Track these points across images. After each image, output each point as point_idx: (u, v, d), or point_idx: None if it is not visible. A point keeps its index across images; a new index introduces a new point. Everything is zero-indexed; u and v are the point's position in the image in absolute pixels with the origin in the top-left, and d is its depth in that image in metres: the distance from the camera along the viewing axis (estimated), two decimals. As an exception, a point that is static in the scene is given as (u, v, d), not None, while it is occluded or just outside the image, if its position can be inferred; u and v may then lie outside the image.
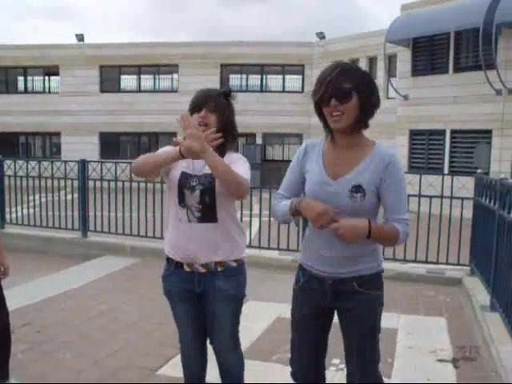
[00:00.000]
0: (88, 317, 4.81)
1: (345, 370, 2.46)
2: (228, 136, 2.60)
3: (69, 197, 7.92)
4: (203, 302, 2.67)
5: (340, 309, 2.37)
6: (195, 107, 2.59)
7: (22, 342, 4.05)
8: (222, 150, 2.54)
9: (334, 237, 2.17)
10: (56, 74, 24.81)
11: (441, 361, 3.95)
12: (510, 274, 3.97)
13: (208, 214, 2.56)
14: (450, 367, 3.84)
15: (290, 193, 2.39)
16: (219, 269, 2.61)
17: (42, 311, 4.91)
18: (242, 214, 5.07)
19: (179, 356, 3.80)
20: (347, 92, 2.14)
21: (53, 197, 8.05)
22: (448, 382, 3.60)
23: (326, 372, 2.57)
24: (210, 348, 2.81)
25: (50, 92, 25.37)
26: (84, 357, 3.89)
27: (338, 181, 2.22)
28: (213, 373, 2.93)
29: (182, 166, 2.58)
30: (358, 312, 2.31)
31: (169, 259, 2.72)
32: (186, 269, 2.64)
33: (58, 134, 24.83)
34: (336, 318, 2.45)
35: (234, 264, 2.64)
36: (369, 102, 2.19)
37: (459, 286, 5.89)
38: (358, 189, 2.17)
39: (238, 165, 2.52)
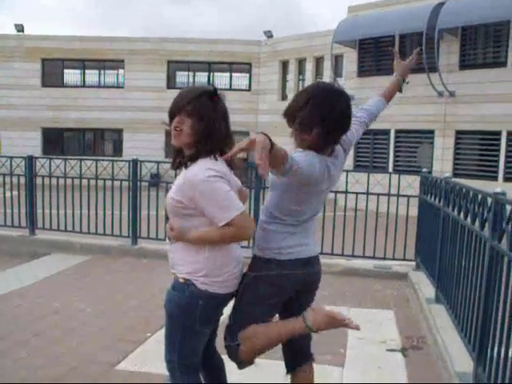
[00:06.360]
0: (42, 314, 4.73)
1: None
2: (202, 144, 2.30)
3: (8, 194, 7.77)
4: None
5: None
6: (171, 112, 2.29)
7: (-27, 340, 3.97)
8: (193, 158, 2.30)
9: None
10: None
11: (390, 350, 4.15)
12: (453, 267, 4.20)
13: None
14: (399, 356, 4.04)
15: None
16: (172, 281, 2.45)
17: (-7, 310, 4.80)
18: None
19: (138, 351, 3.91)
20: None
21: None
22: (398, 369, 3.80)
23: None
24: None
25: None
26: (40, 354, 3.84)
27: None
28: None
29: None
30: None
31: None
32: None
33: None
34: None
35: (181, 280, 2.35)
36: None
37: (405, 280, 6.13)
38: None
39: (207, 204, 2.20)
